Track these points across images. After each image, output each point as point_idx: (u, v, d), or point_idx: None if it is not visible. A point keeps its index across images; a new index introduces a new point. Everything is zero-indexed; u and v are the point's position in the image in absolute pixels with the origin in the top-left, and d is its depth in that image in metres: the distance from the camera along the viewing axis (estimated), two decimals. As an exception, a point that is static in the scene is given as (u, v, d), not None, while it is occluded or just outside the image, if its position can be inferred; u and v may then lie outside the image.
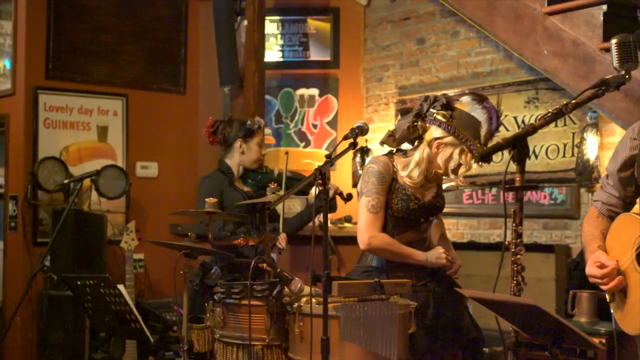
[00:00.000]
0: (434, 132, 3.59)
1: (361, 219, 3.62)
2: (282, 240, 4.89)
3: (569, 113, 2.67)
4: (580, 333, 2.24)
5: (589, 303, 4.63)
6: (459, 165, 3.57)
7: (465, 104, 3.62)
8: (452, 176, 3.63)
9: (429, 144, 3.61)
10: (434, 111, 3.58)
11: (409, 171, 3.63)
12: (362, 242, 3.61)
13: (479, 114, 3.58)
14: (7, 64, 6.55)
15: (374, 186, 3.62)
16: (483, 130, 3.56)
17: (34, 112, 6.28)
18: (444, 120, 3.55)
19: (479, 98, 3.62)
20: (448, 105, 3.57)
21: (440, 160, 3.59)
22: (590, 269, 2.85)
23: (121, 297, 4.18)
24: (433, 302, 3.63)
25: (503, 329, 3.75)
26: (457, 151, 3.56)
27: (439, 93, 3.69)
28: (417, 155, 3.64)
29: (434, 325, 3.61)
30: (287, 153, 5.18)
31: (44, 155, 6.17)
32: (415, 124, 3.59)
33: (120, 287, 4.22)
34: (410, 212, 3.62)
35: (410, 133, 3.63)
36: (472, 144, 3.52)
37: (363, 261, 3.78)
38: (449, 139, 3.56)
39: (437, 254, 3.66)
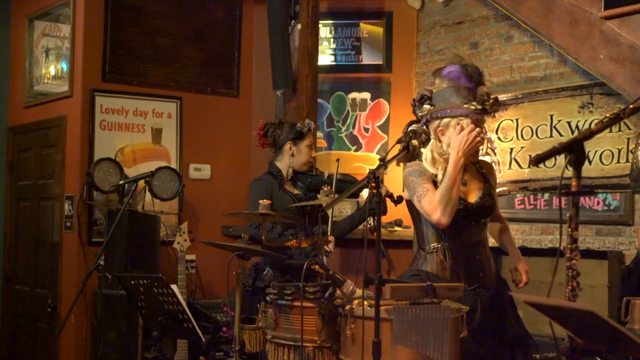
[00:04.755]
0: (431, 126, 3.69)
1: (422, 209, 3.62)
2: (330, 244, 4.89)
3: (626, 118, 2.64)
4: (637, 340, 2.21)
5: None
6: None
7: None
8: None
9: (435, 137, 3.68)
10: (419, 111, 3.72)
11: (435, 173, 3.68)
12: (437, 221, 3.56)
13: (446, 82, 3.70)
14: (65, 66, 6.66)
15: (414, 182, 3.67)
16: (464, 90, 3.63)
17: (91, 114, 6.38)
18: (428, 111, 3.68)
19: (436, 72, 3.78)
20: (424, 96, 3.71)
21: (445, 143, 3.63)
22: None
23: (174, 297, 4.22)
24: (480, 306, 3.63)
25: (557, 336, 3.73)
26: (453, 123, 3.62)
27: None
28: (427, 155, 3.71)
29: (481, 329, 3.60)
30: (338, 160, 5.19)
31: (99, 156, 6.25)
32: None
33: (173, 287, 4.26)
34: (457, 213, 3.60)
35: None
36: (463, 109, 3.59)
37: (414, 264, 3.79)
38: (444, 120, 3.64)
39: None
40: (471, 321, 3.56)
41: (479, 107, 3.58)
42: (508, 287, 3.84)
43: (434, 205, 3.54)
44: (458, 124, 3.61)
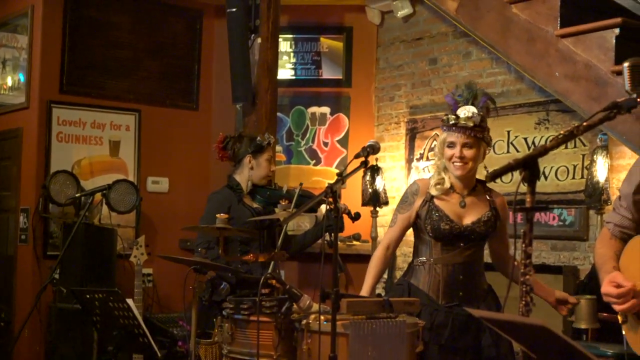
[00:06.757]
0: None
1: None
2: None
3: (580, 135, 2.67)
4: (589, 355, 2.23)
5: (588, 309, 4.54)
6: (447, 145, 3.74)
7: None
8: (457, 165, 3.74)
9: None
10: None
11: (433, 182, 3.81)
12: (375, 251, 3.92)
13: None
14: (22, 77, 6.60)
15: (397, 205, 3.91)
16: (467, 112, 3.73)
17: (47, 126, 6.32)
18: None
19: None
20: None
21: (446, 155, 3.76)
22: (607, 288, 2.84)
23: (130, 311, 4.19)
24: (452, 323, 3.65)
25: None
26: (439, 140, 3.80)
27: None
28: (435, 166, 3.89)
29: (449, 346, 3.63)
30: (301, 184, 5.15)
31: (56, 168, 6.20)
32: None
33: (129, 301, 4.22)
34: (442, 233, 3.69)
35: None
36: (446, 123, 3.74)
37: (405, 275, 3.91)
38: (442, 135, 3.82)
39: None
40: (440, 336, 3.62)
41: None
42: (498, 309, 3.86)
43: (382, 244, 3.89)
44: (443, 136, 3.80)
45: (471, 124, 3.68)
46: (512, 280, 2.79)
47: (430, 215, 3.72)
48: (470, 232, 3.73)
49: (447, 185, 3.75)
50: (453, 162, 3.71)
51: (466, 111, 3.70)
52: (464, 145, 3.70)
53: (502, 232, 3.91)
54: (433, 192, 3.76)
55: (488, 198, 3.85)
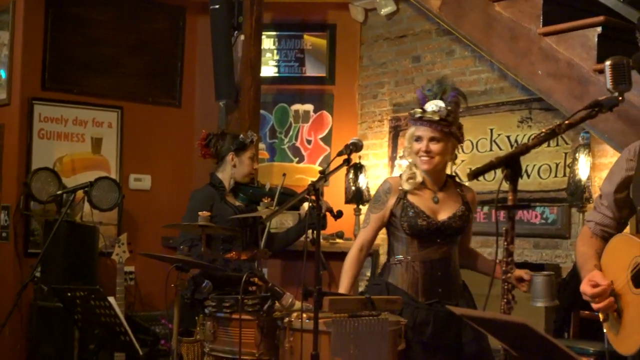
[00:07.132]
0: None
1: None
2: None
3: (562, 133, 2.68)
4: (570, 353, 2.24)
5: (543, 285, 4.45)
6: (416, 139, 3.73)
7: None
8: (423, 159, 3.72)
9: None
10: None
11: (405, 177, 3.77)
12: (348, 253, 3.86)
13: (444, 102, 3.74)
14: (3, 74, 6.55)
15: (370, 205, 3.90)
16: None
17: (29, 123, 6.28)
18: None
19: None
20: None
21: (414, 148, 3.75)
22: (584, 287, 2.87)
23: (111, 309, 4.17)
24: (434, 321, 3.65)
25: (493, 348, 3.76)
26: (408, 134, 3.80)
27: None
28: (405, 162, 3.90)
29: (432, 343, 3.63)
30: (284, 175, 5.17)
31: (37, 165, 6.16)
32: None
33: (111, 299, 4.20)
34: (419, 229, 3.68)
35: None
36: (413, 117, 3.73)
37: (381, 274, 3.88)
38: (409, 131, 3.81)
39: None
40: (422, 334, 3.61)
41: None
42: (474, 305, 3.87)
43: (355, 245, 3.84)
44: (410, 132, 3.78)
45: (437, 118, 3.67)
46: (493, 277, 2.81)
47: (406, 213, 3.71)
48: (447, 228, 3.73)
49: (419, 179, 3.74)
50: (420, 156, 3.71)
51: (433, 105, 3.70)
52: (430, 140, 3.70)
53: (469, 227, 3.93)
54: (406, 186, 3.74)
55: (460, 192, 3.86)
